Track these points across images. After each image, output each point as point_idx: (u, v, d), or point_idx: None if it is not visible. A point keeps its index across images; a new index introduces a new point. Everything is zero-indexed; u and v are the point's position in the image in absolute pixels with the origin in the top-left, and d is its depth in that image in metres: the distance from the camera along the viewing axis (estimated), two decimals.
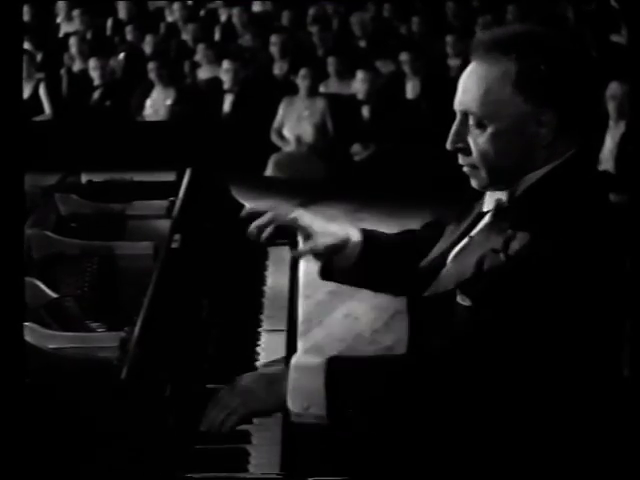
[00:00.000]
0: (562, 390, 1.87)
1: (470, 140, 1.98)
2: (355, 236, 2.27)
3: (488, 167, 1.97)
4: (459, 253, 2.06)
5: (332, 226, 2.27)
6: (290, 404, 1.90)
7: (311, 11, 10.26)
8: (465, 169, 2.02)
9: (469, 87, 1.98)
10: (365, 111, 8.37)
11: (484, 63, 1.96)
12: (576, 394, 1.89)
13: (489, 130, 1.95)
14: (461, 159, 2.01)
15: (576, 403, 1.90)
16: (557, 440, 1.90)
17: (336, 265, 2.27)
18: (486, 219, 2.05)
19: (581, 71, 1.96)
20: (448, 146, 2.01)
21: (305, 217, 2.25)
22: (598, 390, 1.94)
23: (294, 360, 1.95)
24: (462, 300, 1.95)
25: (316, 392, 1.89)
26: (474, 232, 2.07)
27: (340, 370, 1.93)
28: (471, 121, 1.97)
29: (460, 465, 1.93)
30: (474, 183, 2.03)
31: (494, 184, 2.01)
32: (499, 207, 2.01)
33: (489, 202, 2.05)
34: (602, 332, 1.90)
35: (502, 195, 2.01)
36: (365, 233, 2.29)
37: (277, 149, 8.42)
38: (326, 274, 2.31)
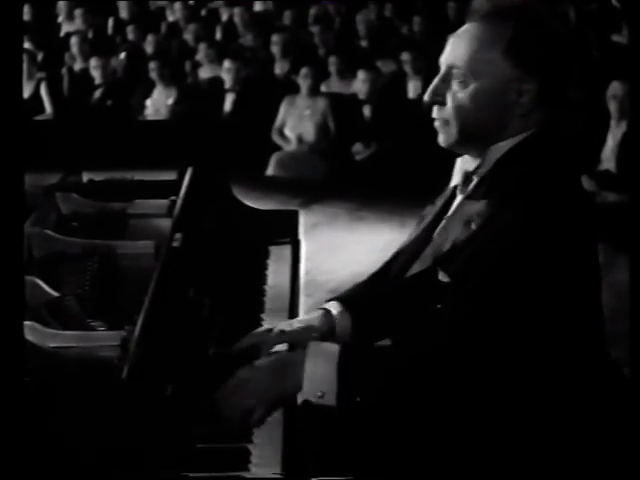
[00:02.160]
0: (544, 360, 1.88)
1: (449, 95, 2.02)
2: (337, 310, 2.20)
3: (461, 122, 2.00)
4: (438, 234, 2.09)
5: (308, 319, 2.21)
6: (305, 390, 1.89)
7: (312, 11, 10.25)
8: (436, 123, 2.05)
9: (460, 43, 2.02)
10: (366, 110, 8.37)
11: (479, 24, 2.01)
12: (558, 367, 1.90)
13: (471, 86, 1.99)
14: (435, 112, 2.04)
15: (559, 379, 1.90)
16: (546, 423, 1.91)
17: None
18: (458, 197, 2.08)
19: (571, 51, 2.01)
20: (426, 97, 2.04)
21: (285, 326, 2.19)
22: (585, 371, 1.94)
23: (310, 346, 1.94)
24: (442, 277, 1.96)
25: (330, 379, 1.88)
26: (450, 212, 2.09)
27: (353, 358, 1.92)
28: (455, 75, 2.01)
29: (460, 459, 1.93)
30: (442, 139, 2.05)
31: (462, 144, 2.04)
32: (468, 178, 2.04)
33: (457, 176, 2.09)
34: (577, 301, 1.92)
35: (470, 165, 2.04)
36: (346, 303, 2.22)
37: (278, 148, 8.42)
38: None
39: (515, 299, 1.86)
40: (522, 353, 1.86)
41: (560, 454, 1.93)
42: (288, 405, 1.98)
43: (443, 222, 2.10)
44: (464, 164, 2.08)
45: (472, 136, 2.02)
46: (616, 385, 2.03)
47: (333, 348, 1.92)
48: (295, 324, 2.21)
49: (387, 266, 2.30)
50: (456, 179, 2.10)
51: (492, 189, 1.97)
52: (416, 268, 2.08)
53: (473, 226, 1.93)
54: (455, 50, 2.02)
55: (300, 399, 1.91)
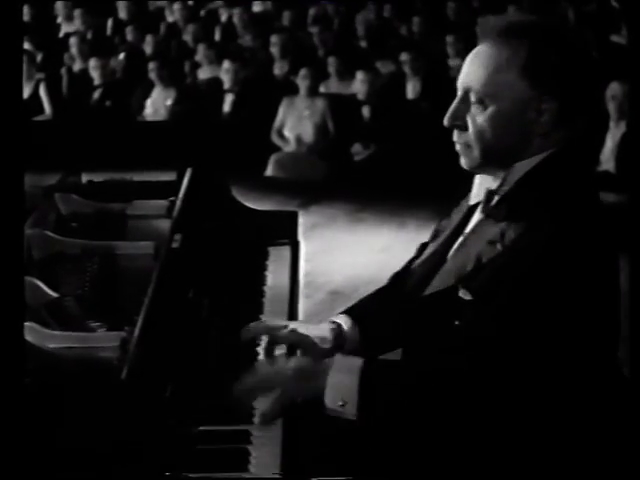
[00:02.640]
0: (563, 379, 1.88)
1: (468, 118, 2.00)
2: (347, 325, 2.22)
3: (482, 146, 1.99)
4: (457, 250, 2.07)
5: (320, 328, 2.22)
6: (327, 399, 1.91)
7: (311, 11, 10.26)
8: (458, 147, 2.04)
9: (476, 65, 2.00)
10: (365, 111, 8.37)
11: (494, 45, 1.98)
12: (576, 385, 1.90)
13: (489, 109, 1.97)
14: (456, 136, 2.03)
15: (576, 397, 1.91)
16: (560, 434, 1.91)
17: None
18: (478, 213, 2.06)
19: (587, 67, 1.99)
20: (446, 122, 2.03)
21: (301, 328, 2.21)
22: (598, 386, 1.95)
23: (337, 357, 1.96)
24: (464, 295, 1.95)
25: (352, 390, 1.89)
26: (468, 228, 2.08)
27: (375, 371, 1.93)
28: (472, 98, 1.99)
29: (461, 462, 1.93)
30: (464, 162, 2.04)
31: (485, 165, 2.02)
32: (490, 197, 2.02)
33: (478, 193, 2.07)
34: (600, 321, 1.91)
35: (492, 184, 2.03)
36: (355, 317, 2.23)
37: (277, 149, 8.42)
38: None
39: (538, 319, 1.85)
40: (542, 370, 1.86)
41: (572, 466, 1.93)
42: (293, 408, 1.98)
43: (461, 239, 2.08)
44: (484, 181, 2.07)
45: (494, 158, 2.00)
46: (624, 398, 2.03)
47: (358, 362, 1.93)
48: (311, 330, 2.20)
49: (398, 279, 2.29)
50: (476, 196, 2.08)
51: (514, 209, 1.95)
52: (436, 285, 2.07)
53: (499, 246, 1.92)
54: (471, 72, 2.00)
55: (323, 406, 1.92)
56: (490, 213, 2.01)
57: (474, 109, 1.99)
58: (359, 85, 8.41)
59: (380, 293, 2.33)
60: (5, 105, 1.84)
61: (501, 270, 1.90)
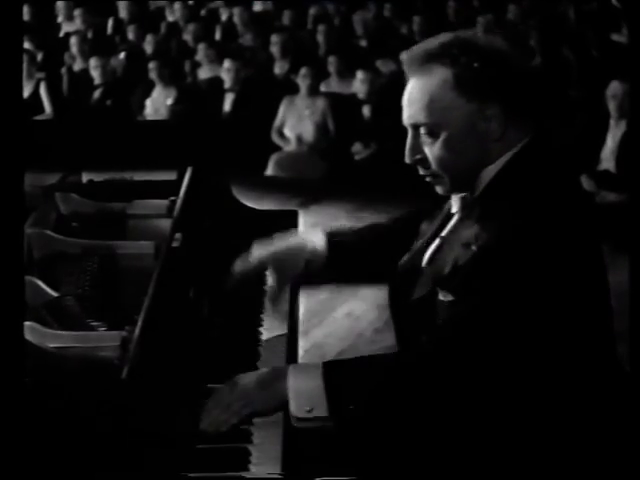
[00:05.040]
0: (554, 371, 1.89)
1: (426, 150, 2.04)
2: (319, 242, 2.34)
3: (448, 172, 2.03)
4: (434, 254, 2.11)
5: (294, 238, 2.37)
6: (293, 408, 1.90)
7: (312, 11, 10.25)
8: (428, 179, 2.08)
9: (413, 100, 2.04)
10: (366, 110, 8.36)
11: (421, 76, 2.02)
12: (566, 379, 1.90)
13: (441, 137, 2.01)
14: (421, 170, 2.07)
15: (568, 390, 1.91)
16: (554, 429, 1.91)
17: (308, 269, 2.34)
18: (454, 218, 2.10)
19: (513, 62, 2.02)
20: (407, 160, 2.09)
21: (261, 249, 2.32)
22: (593, 380, 1.95)
23: (291, 365, 1.98)
24: (444, 296, 1.97)
25: (317, 394, 1.89)
26: (445, 232, 2.11)
27: (338, 370, 1.93)
28: (422, 131, 2.03)
29: (461, 462, 1.93)
30: (439, 190, 2.09)
31: (457, 187, 2.06)
32: (464, 204, 2.06)
33: (456, 201, 2.11)
34: (586, 310, 1.92)
35: (465, 192, 2.06)
36: (329, 236, 2.35)
37: (278, 148, 8.42)
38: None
39: (521, 313, 1.86)
40: (531, 363, 1.87)
41: (567, 458, 1.93)
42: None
43: (437, 241, 2.11)
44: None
45: (464, 176, 2.03)
46: (623, 388, 2.03)
47: (316, 365, 1.93)
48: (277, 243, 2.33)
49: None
50: (455, 205, 2.11)
51: (486, 210, 1.98)
52: (418, 292, 2.08)
53: (473, 247, 1.94)
54: (412, 108, 2.04)
55: (291, 417, 1.91)
56: (464, 216, 2.05)
57: (427, 142, 2.03)
58: (359, 84, 8.40)
59: (360, 232, 2.45)
60: (5, 105, 1.84)
61: (478, 269, 1.91)
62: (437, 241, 2.12)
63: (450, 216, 2.13)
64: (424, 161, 2.05)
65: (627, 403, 2.02)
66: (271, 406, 1.94)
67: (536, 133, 2.03)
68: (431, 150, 2.02)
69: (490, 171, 2.01)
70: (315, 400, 1.89)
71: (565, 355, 1.89)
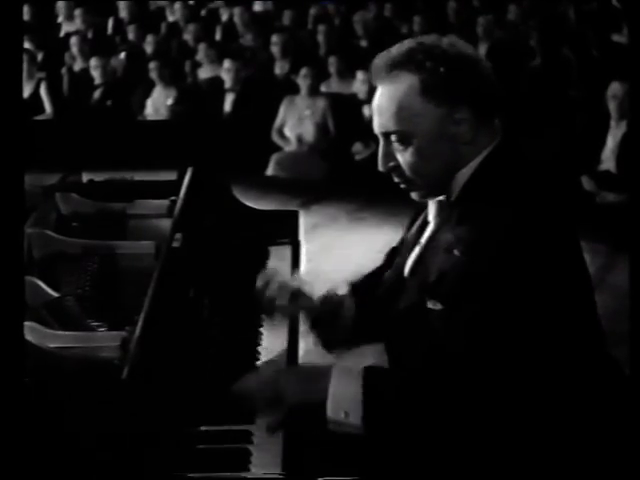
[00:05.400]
0: (546, 369, 1.89)
1: (399, 157, 2.04)
2: (347, 300, 2.31)
3: (422, 178, 2.04)
4: (415, 263, 2.11)
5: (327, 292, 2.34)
6: (329, 410, 1.89)
7: (312, 11, 10.25)
8: (402, 186, 2.08)
9: (382, 109, 2.04)
10: (366, 110, 8.36)
11: (389, 84, 2.03)
12: (559, 373, 1.90)
13: (413, 144, 2.01)
14: (395, 177, 2.08)
15: (562, 385, 1.91)
16: (552, 429, 1.91)
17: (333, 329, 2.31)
18: (431, 224, 2.10)
19: (478, 64, 2.02)
20: (380, 168, 2.09)
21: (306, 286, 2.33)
22: (586, 375, 1.95)
23: (336, 365, 1.95)
24: (433, 305, 1.96)
25: (355, 400, 1.88)
26: (423, 239, 2.12)
27: (377, 379, 1.93)
28: (393, 139, 2.04)
29: (461, 461, 1.93)
30: (414, 196, 2.10)
31: (433, 192, 2.07)
32: (441, 208, 2.07)
33: (432, 207, 2.11)
34: (572, 306, 1.93)
35: (441, 197, 2.06)
36: (355, 291, 2.32)
37: (278, 148, 8.42)
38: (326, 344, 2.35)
39: (509, 316, 1.86)
40: (523, 366, 1.87)
41: (562, 455, 1.93)
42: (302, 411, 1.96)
43: (417, 250, 2.11)
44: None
45: (438, 181, 2.04)
46: (616, 383, 2.03)
47: (358, 369, 1.93)
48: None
49: (369, 280, 2.36)
50: (431, 211, 2.11)
51: (464, 214, 1.98)
52: (403, 302, 2.08)
53: (456, 252, 1.94)
54: (382, 117, 2.04)
55: (326, 418, 1.90)
56: (442, 221, 2.05)
57: (399, 149, 2.03)
58: (360, 85, 8.40)
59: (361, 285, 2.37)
60: (5, 105, 1.84)
61: (464, 273, 1.91)
62: (417, 250, 2.12)
63: (427, 223, 2.13)
64: (397, 168, 2.05)
65: (618, 395, 2.02)
66: (311, 401, 1.92)
67: (505, 134, 2.04)
68: (403, 157, 2.03)
69: (464, 174, 2.02)
70: (352, 405, 1.88)
71: (559, 349, 1.89)
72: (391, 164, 2.05)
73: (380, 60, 2.07)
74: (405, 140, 2.01)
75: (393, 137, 2.03)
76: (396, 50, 2.05)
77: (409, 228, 2.24)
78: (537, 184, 2.01)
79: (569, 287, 1.92)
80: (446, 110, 1.99)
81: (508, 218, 1.91)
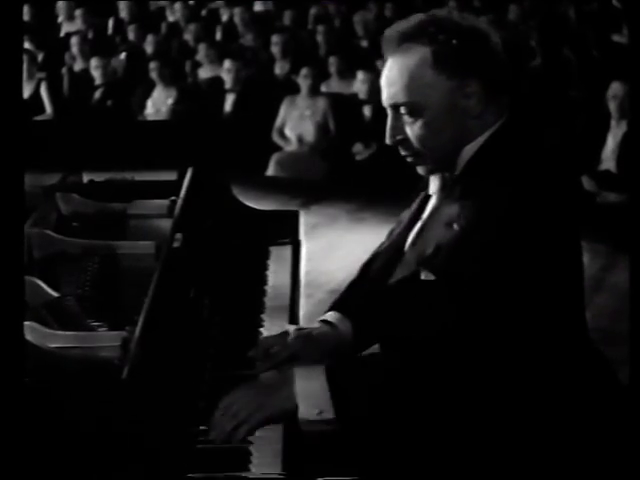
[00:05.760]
0: (530, 352, 1.89)
1: (407, 130, 2.03)
2: (342, 325, 2.16)
3: (430, 151, 2.03)
4: (416, 237, 2.11)
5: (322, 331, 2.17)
6: (302, 411, 1.89)
7: (312, 11, 10.25)
8: (409, 159, 2.08)
9: (393, 81, 2.03)
10: (366, 111, 8.37)
11: (400, 56, 2.02)
12: (544, 358, 1.91)
13: (422, 116, 2.01)
14: (402, 151, 2.07)
15: (546, 369, 1.91)
16: (540, 417, 1.91)
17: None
18: (434, 199, 2.10)
19: (490, 38, 2.02)
20: (388, 141, 2.08)
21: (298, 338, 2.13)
22: (567, 360, 1.95)
23: (296, 369, 1.95)
24: (426, 276, 1.97)
25: (325, 396, 1.88)
26: (425, 214, 2.11)
27: (341, 371, 1.93)
28: (403, 111, 2.03)
29: (455, 455, 1.93)
30: (421, 170, 2.09)
31: (439, 167, 2.07)
32: (444, 183, 2.06)
33: (434, 182, 2.10)
34: (561, 290, 1.94)
35: (446, 171, 2.06)
36: (344, 310, 2.18)
37: (278, 148, 8.42)
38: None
39: (502, 292, 1.87)
40: (510, 345, 1.87)
41: (549, 447, 1.93)
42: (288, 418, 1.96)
43: (419, 225, 2.11)
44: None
45: (445, 155, 2.04)
46: (598, 371, 2.03)
47: (318, 367, 1.92)
48: (315, 332, 2.14)
49: (365, 271, 2.31)
50: (433, 185, 2.11)
51: (468, 187, 1.99)
52: (399, 273, 2.08)
53: (455, 226, 1.95)
54: (392, 88, 2.04)
55: (300, 421, 1.90)
56: (445, 196, 2.05)
57: (409, 121, 2.03)
58: (360, 85, 8.40)
59: (354, 285, 2.33)
60: (5, 105, 1.84)
61: (460, 246, 1.92)
62: (419, 224, 2.12)
63: (428, 198, 2.13)
64: (405, 141, 2.05)
65: (601, 384, 2.02)
66: (282, 411, 1.92)
67: (512, 112, 2.05)
68: (412, 130, 2.03)
69: (470, 150, 2.02)
70: (323, 402, 1.88)
71: (544, 329, 1.90)
72: (399, 137, 2.05)
73: (391, 32, 2.05)
74: (415, 112, 2.01)
75: (403, 109, 2.02)
76: (407, 23, 2.04)
77: (410, 206, 2.23)
78: (541, 164, 2.01)
79: (560, 270, 1.93)
80: (457, 83, 1.99)
81: (509, 196, 1.91)
